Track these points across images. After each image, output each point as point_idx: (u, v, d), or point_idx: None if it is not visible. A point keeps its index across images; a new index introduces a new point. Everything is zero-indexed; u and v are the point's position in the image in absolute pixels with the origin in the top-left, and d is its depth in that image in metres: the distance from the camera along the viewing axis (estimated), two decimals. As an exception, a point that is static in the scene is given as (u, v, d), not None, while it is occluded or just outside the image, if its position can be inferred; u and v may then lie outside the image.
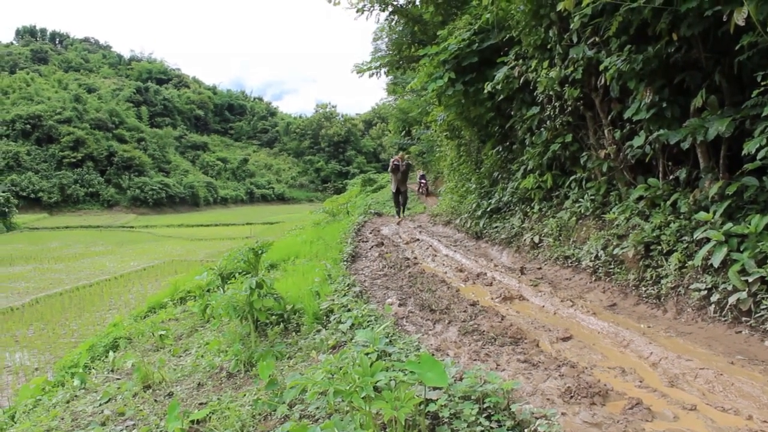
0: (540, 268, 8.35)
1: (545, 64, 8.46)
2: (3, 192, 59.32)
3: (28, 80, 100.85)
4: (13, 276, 24.41)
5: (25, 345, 13.32)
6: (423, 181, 29.25)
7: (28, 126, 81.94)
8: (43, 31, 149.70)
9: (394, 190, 19.11)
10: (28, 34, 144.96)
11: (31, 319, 16.03)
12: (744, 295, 4.72)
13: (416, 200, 30.33)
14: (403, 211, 19.17)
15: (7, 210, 55.09)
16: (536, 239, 9.01)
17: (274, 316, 6.30)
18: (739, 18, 4.64)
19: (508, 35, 9.73)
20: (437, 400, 3.17)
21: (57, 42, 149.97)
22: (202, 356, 6.17)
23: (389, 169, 19.14)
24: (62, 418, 5.15)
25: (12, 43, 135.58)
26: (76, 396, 6.08)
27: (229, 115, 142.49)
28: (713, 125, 5.41)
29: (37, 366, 11.70)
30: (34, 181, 74.70)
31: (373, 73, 21.54)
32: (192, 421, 3.98)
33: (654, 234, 6.12)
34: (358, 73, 21.45)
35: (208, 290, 9.94)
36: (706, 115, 5.66)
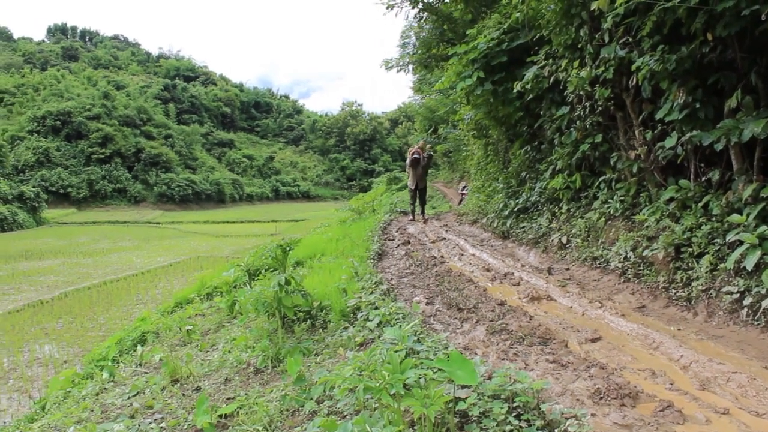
0: (568, 269, 8.29)
1: (576, 63, 8.39)
2: (33, 187, 60.34)
3: (58, 77, 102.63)
4: (42, 270, 24.75)
5: (55, 338, 13.49)
6: (464, 192, 25.63)
7: (58, 122, 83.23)
8: (74, 29, 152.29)
9: (412, 187, 16.84)
10: (59, 32, 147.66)
11: (60, 312, 16.24)
12: (778, 299, 4.65)
13: (441, 199, 30.24)
14: (423, 211, 17.41)
15: (37, 205, 56.01)
16: (564, 240, 8.94)
17: (301, 313, 6.32)
18: (777, 17, 4.57)
19: (538, 34, 9.66)
20: (466, 398, 3.16)
21: (87, 40, 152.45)
22: (229, 351, 6.20)
23: (407, 163, 16.78)
24: (92, 410, 5.21)
25: (43, 41, 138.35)
26: (105, 389, 6.15)
27: (256, 113, 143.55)
28: (748, 126, 5.32)
29: (66, 359, 11.85)
30: (63, 177, 75.86)
31: (400, 68, 21.58)
32: (220, 416, 4.01)
33: (685, 236, 6.04)
34: (386, 68, 21.52)
35: (235, 286, 10.00)
36: (741, 116, 5.57)
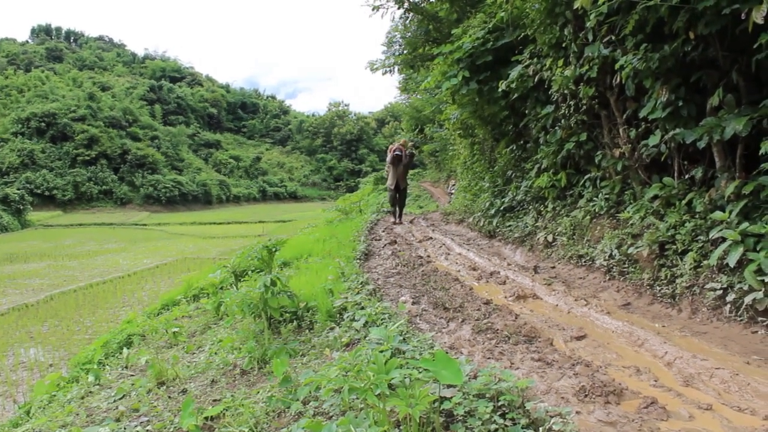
0: (554, 267, 8.32)
1: (560, 62, 8.42)
2: (18, 189, 59.91)
3: (43, 78, 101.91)
4: (27, 273, 24.59)
5: (40, 341, 13.39)
6: (452, 191, 24.32)
7: (43, 124, 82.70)
8: (58, 29, 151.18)
9: (392, 187, 15.68)
10: (43, 32, 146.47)
11: (46, 315, 16.12)
12: (760, 294, 4.69)
13: (428, 198, 30.27)
14: (401, 213, 16.46)
15: (21, 207, 55.61)
16: (550, 238, 8.98)
17: (287, 314, 6.31)
18: (758, 16, 4.59)
19: (522, 34, 9.69)
20: (452, 397, 3.17)
21: (72, 40, 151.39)
22: (215, 353, 6.18)
23: (388, 160, 15.65)
24: (77, 414, 5.17)
25: (27, 42, 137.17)
26: (90, 392, 6.10)
27: (242, 114, 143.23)
28: (730, 124, 5.36)
29: (52, 362, 11.77)
30: (49, 179, 75.38)
31: (386, 71, 21.55)
32: (206, 418, 3.99)
33: (669, 233, 6.08)
34: (371, 70, 21.48)
35: (222, 288, 9.96)
36: (723, 114, 5.61)
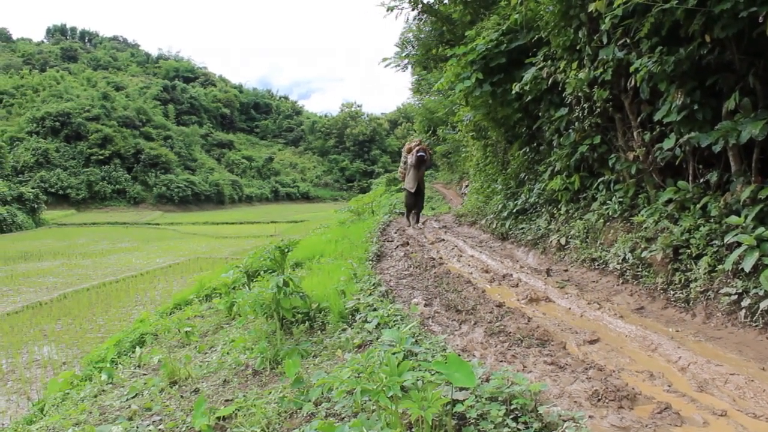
0: (566, 270, 8.28)
1: (574, 65, 8.38)
2: (32, 188, 60.30)
3: (57, 78, 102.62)
4: (41, 271, 24.74)
5: (53, 339, 13.47)
6: (465, 193, 23.05)
7: (58, 123, 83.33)
8: (73, 29, 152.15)
9: (413, 190, 14.35)
10: (58, 32, 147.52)
11: (59, 313, 16.21)
12: (776, 300, 4.65)
13: (441, 200, 30.21)
14: (419, 215, 15.36)
15: (36, 206, 55.96)
16: (563, 241, 8.94)
17: (299, 315, 6.31)
18: (775, 19, 4.57)
19: (536, 36, 9.66)
20: (464, 400, 3.15)
21: (86, 40, 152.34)
22: (227, 353, 6.20)
23: (411, 162, 14.14)
24: (90, 412, 5.20)
25: (43, 42, 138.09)
26: (103, 390, 6.14)
27: (255, 114, 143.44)
28: (746, 128, 5.32)
29: (65, 360, 11.83)
30: (63, 178, 75.95)
31: (398, 65, 21.62)
32: (218, 418, 4.00)
33: (683, 237, 6.04)
34: (385, 65, 21.59)
35: (234, 288, 10.00)
36: (739, 117, 5.56)
